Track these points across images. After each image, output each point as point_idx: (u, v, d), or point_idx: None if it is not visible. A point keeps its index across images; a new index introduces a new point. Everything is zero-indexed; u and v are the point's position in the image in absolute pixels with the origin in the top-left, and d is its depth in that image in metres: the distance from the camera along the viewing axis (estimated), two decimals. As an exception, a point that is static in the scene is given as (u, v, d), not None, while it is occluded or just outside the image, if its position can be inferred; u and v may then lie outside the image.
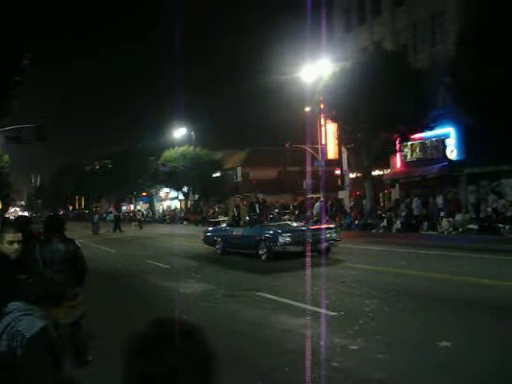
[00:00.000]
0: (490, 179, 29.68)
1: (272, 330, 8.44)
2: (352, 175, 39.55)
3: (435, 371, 6.18)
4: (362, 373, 6.16)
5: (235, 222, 20.31)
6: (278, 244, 16.86)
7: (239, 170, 61.89)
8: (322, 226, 19.90)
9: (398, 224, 30.19)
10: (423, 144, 34.59)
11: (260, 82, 55.24)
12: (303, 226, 19.90)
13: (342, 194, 40.99)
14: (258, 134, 57.78)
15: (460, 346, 7.06)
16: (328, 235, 17.54)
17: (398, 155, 35.87)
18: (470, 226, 25.58)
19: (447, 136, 32.59)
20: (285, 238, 16.93)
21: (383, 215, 32.36)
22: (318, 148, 41.11)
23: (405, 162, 36.10)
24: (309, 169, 38.25)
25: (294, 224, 20.20)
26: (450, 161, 31.79)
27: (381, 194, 38.26)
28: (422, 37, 35.32)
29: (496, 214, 25.75)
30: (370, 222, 32.25)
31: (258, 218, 20.08)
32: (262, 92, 54.89)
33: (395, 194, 36.66)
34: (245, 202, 21.68)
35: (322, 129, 41.98)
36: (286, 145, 42.45)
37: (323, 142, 41.88)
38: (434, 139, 33.56)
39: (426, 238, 24.95)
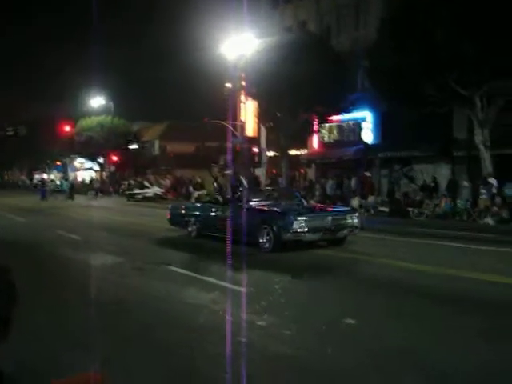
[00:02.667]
0: (403, 164, 30.50)
1: (181, 304, 8.39)
2: (269, 153, 39.77)
3: (336, 346, 6.32)
4: (267, 348, 6.21)
5: (219, 199, 16.42)
6: (292, 230, 13.20)
7: (157, 142, 61.13)
8: (344, 209, 17.27)
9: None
10: (340, 126, 35.16)
11: (181, 55, 54.44)
12: (321, 207, 18.17)
13: (259, 172, 41.16)
14: (178, 107, 57.21)
15: (364, 324, 7.24)
16: (349, 220, 14.42)
17: (315, 136, 36.30)
18: (382, 209, 26.27)
19: (364, 120, 33.21)
20: (301, 223, 13.34)
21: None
22: (237, 124, 41.04)
23: (322, 143, 36.60)
24: (228, 145, 38.19)
25: (305, 203, 17.23)
26: (366, 144, 32.43)
27: (297, 174, 38.64)
28: (345, 20, 35.69)
29: (406, 198, 26.53)
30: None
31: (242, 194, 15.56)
32: (183, 65, 54.13)
33: (311, 174, 37.15)
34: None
35: (242, 106, 41.88)
36: (205, 120, 42.19)
37: (243, 119, 41.83)
38: (351, 122, 34.16)
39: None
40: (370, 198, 27.46)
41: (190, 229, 16.67)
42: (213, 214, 15.87)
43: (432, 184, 26.87)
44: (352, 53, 32.52)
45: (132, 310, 8.13)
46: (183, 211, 17.65)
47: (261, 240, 13.67)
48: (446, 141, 26.48)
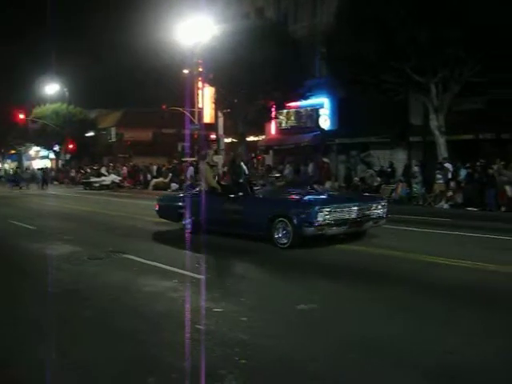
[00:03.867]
0: (360, 150, 30.75)
1: (138, 292, 8.30)
2: (227, 140, 39.69)
3: (295, 331, 6.37)
4: (224, 334, 6.19)
5: (222, 188, 13.98)
6: (315, 223, 11.42)
7: (113, 130, 60.36)
8: (370, 196, 15.94)
9: (270, 189, 30.60)
10: (298, 112, 35.27)
11: (138, 41, 53.78)
12: (345, 196, 17.08)
13: (217, 159, 41.02)
14: (135, 94, 56.43)
15: (322, 308, 7.29)
16: (375, 210, 12.73)
17: (273, 122, 36.37)
18: (338, 194, 26.43)
19: (321, 106, 33.37)
20: (326, 215, 11.57)
21: (255, 181, 32.63)
22: (194, 111, 40.83)
23: (280, 130, 36.69)
24: (185, 132, 37.99)
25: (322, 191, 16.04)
26: (323, 130, 32.61)
27: (255, 160, 38.66)
28: (302, 7, 35.70)
29: (364, 184, 26.77)
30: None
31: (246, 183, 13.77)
32: (139, 51, 53.48)
33: (269, 160, 37.20)
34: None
35: (200, 92, 41.65)
36: (163, 106, 41.88)
37: (200, 106, 41.61)
38: (308, 108, 34.29)
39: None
40: (328, 184, 27.60)
41: (184, 222, 14.31)
42: (215, 205, 13.37)
43: (389, 169, 27.18)
44: (310, 39, 32.60)
45: (89, 298, 8.02)
46: (177, 202, 15.26)
47: (276, 235, 11.95)
48: (403, 126, 26.80)
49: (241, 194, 13.14)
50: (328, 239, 12.00)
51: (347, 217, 11.95)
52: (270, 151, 37.63)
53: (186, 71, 40.13)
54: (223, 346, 5.82)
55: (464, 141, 24.54)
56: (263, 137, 37.84)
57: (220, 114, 39.68)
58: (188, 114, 38.68)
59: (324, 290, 8.35)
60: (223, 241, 13.06)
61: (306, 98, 32.66)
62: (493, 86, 21.73)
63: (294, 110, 35.30)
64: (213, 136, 42.03)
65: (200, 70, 36.01)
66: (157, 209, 15.88)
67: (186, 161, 37.41)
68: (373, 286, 8.44)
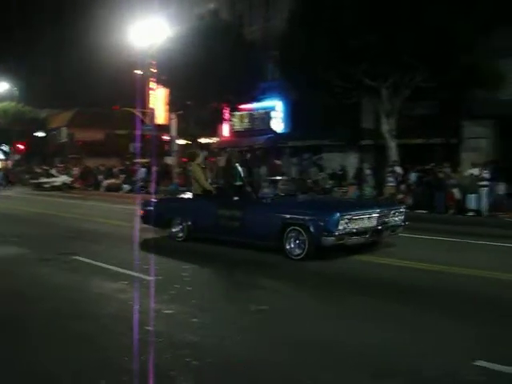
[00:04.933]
0: (312, 152, 30.99)
1: (87, 294, 8.21)
2: (180, 142, 39.50)
3: (245, 331, 6.39)
4: (174, 336, 6.16)
5: (224, 191, 12.87)
6: (336, 232, 10.30)
7: (64, 130, 59.40)
8: (388, 203, 15.11)
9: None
10: (251, 115, 35.34)
11: (90, 41, 53.12)
12: (368, 202, 16.04)
13: (170, 160, 40.79)
14: (87, 94, 55.63)
15: (273, 309, 7.33)
16: (393, 217, 11.64)
17: (226, 124, 36.38)
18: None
19: (274, 109, 33.51)
20: (348, 224, 10.47)
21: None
22: (147, 112, 40.51)
23: (233, 132, 36.70)
24: (137, 133, 37.63)
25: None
26: (276, 133, 32.77)
27: (208, 162, 38.51)
28: (256, 10, 35.78)
29: (316, 186, 26.94)
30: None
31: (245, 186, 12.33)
32: (92, 51, 52.84)
33: (222, 162, 37.08)
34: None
35: (153, 93, 41.34)
36: (115, 107, 41.46)
37: (153, 107, 41.30)
38: (261, 111, 34.40)
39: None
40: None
41: (175, 229, 13.26)
42: (216, 210, 12.26)
43: (340, 172, 27.44)
44: (263, 42, 32.70)
45: (36, 301, 7.88)
46: (166, 207, 14.07)
47: (288, 245, 10.80)
48: (354, 130, 27.13)
49: (239, 197, 12.06)
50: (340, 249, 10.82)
51: (368, 225, 10.87)
52: (223, 153, 37.55)
53: (138, 72, 39.79)
54: (173, 348, 5.80)
55: (414, 145, 24.95)
56: (216, 139, 37.78)
57: (173, 116, 39.46)
58: (140, 115, 38.35)
59: (277, 290, 8.39)
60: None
61: (259, 100, 32.81)
62: (442, 91, 22.11)
63: (247, 112, 35.36)
64: (165, 137, 41.76)
65: (153, 71, 35.76)
66: (141, 214, 14.25)
67: (139, 162, 37.09)
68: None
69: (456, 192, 21.17)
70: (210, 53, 28.16)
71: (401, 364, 5.38)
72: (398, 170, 23.04)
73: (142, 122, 38.51)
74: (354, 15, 20.85)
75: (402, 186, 22.69)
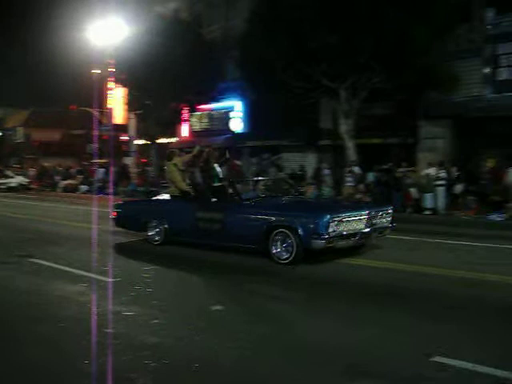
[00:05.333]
0: (272, 153, 31.06)
1: (46, 297, 8.10)
2: (139, 142, 39.25)
3: (204, 332, 6.38)
4: (134, 338, 6.14)
5: (202, 192, 12.15)
6: (326, 235, 9.89)
7: (20, 130, 58.46)
8: (376, 204, 14.61)
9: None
10: (210, 115, 35.23)
11: (46, 39, 52.41)
12: (356, 203, 15.86)
13: (128, 161, 40.49)
14: (43, 93, 54.81)
15: (232, 310, 7.37)
16: (382, 219, 11.27)
17: (185, 124, 36.24)
18: (250, 197, 26.55)
19: (233, 109, 33.50)
20: (338, 226, 10.09)
21: (166, 184, 32.41)
22: (105, 112, 40.15)
23: (192, 132, 36.55)
24: (95, 133, 37.27)
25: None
26: (235, 133, 32.78)
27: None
28: (216, 10, 35.71)
29: (274, 186, 27.01)
30: (154, 189, 32.22)
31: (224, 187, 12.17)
32: (48, 50, 52.14)
33: (187, 158, 36.92)
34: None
35: (111, 93, 40.98)
36: (73, 107, 40.99)
37: (111, 107, 40.93)
38: (220, 111, 34.32)
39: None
40: (238, 186, 27.68)
41: (151, 233, 12.74)
42: (195, 213, 11.80)
43: (300, 172, 27.57)
44: (223, 42, 32.66)
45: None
46: (142, 209, 13.51)
47: (275, 249, 10.37)
48: (313, 130, 27.29)
49: (219, 199, 11.68)
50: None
51: (358, 227, 10.48)
52: (182, 154, 37.37)
53: (96, 71, 39.38)
54: (133, 350, 5.78)
55: (372, 145, 25.23)
56: (175, 139, 37.60)
57: (131, 116, 39.18)
58: (97, 115, 38.00)
59: (233, 291, 8.42)
60: (127, 240, 12.87)
61: (218, 100, 32.76)
62: (400, 92, 22.41)
63: (206, 112, 35.26)
64: (124, 137, 41.45)
65: (111, 70, 35.44)
66: (114, 217, 13.68)
67: (96, 162, 36.73)
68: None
69: (413, 191, 21.51)
70: (168, 52, 28.04)
71: (366, 363, 5.45)
72: (357, 170, 23.26)
73: (100, 122, 38.13)
74: (312, 16, 20.98)
75: (361, 186, 22.93)
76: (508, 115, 21.25)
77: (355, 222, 10.45)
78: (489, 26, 22.43)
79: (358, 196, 22.46)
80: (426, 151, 23.97)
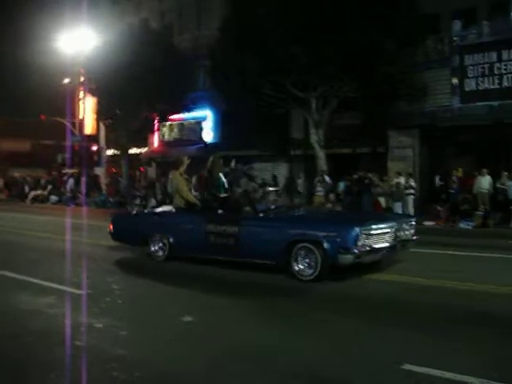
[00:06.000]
0: (243, 163, 31.05)
1: (15, 310, 7.99)
2: (109, 152, 39.05)
3: (174, 344, 6.37)
4: (104, 350, 6.09)
5: (210, 204, 11.46)
6: (354, 249, 9.15)
7: (-12, 140, 57.61)
8: (401, 215, 13.75)
9: (153, 202, 30.37)
10: (181, 125, 35.24)
11: (16, 48, 51.88)
12: (381, 214, 14.96)
13: (99, 171, 40.25)
14: (12, 103, 54.17)
15: (202, 321, 7.34)
16: (405, 231, 10.47)
17: (156, 134, 36.18)
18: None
19: (205, 119, 33.52)
20: (366, 239, 9.34)
21: (138, 193, 32.34)
22: (75, 122, 39.87)
23: (163, 142, 36.50)
24: (66, 143, 37.03)
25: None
26: (206, 143, 32.77)
27: (138, 172, 38.21)
28: (187, 19, 35.76)
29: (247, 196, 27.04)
30: (125, 199, 32.07)
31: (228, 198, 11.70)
32: (17, 57, 51.60)
33: (152, 172, 36.88)
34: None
35: (81, 102, 40.72)
36: (42, 117, 40.60)
37: (81, 116, 40.67)
38: (192, 121, 34.33)
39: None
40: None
41: (154, 248, 11.77)
42: (205, 226, 10.89)
43: (271, 182, 27.61)
44: (194, 51, 32.69)
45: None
46: (143, 222, 12.66)
47: (296, 265, 9.56)
48: (284, 140, 27.44)
49: (231, 211, 10.86)
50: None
51: (385, 240, 9.75)
52: (154, 164, 37.29)
53: (67, 80, 39.12)
54: (102, 362, 5.73)
55: (342, 154, 25.44)
56: (146, 149, 37.48)
57: (102, 126, 38.99)
58: (68, 125, 37.70)
59: (204, 302, 8.41)
60: (96, 251, 12.76)
61: (189, 110, 32.76)
62: (369, 102, 22.64)
63: (177, 122, 35.23)
64: (94, 147, 41.20)
65: (82, 79, 35.27)
66: (111, 230, 12.74)
67: (67, 173, 36.44)
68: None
69: (383, 200, 21.71)
70: (139, 62, 27.98)
71: (329, 372, 5.49)
72: (327, 179, 23.40)
73: (71, 131, 37.87)
74: (278, 27, 21.09)
75: (331, 195, 23.07)
76: (475, 125, 21.67)
77: (383, 234, 9.70)
78: (456, 38, 22.78)
79: (328, 205, 22.60)
80: (395, 160, 24.24)
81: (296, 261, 9.57)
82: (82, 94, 39.10)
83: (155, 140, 36.85)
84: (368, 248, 9.30)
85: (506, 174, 19.88)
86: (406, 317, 7.44)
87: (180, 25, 36.27)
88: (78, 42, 34.72)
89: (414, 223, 10.94)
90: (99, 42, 32.13)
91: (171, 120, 34.74)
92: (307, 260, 9.50)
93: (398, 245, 10.06)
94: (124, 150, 34.32)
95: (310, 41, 20.67)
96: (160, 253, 11.72)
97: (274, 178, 27.93)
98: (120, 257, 12.60)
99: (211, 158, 12.68)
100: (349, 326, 7.06)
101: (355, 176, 23.19)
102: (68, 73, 37.62)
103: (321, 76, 21.93)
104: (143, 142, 36.21)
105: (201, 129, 33.44)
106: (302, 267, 9.55)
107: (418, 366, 5.44)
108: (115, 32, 32.69)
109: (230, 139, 29.84)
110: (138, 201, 31.08)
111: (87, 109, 40.22)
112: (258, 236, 10.18)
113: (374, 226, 9.58)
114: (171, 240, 11.50)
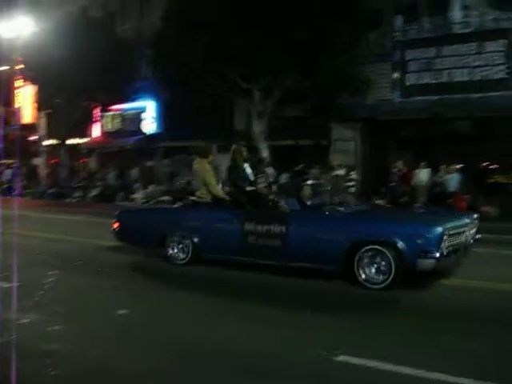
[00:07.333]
0: (186, 153, 30.84)
1: None
2: (49, 142, 38.18)
3: (108, 339, 6.20)
4: (31, 346, 5.86)
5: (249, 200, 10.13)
6: (435, 253, 7.88)
7: None
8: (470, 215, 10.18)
9: (93, 193, 29.88)
10: (123, 115, 34.67)
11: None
12: (451, 212, 12.79)
13: (38, 161, 39.33)
14: None
15: (138, 314, 7.17)
16: (472, 230, 9.32)
17: (97, 125, 35.55)
18: (163, 198, 26.27)
19: (146, 109, 33.10)
20: (448, 241, 8.14)
21: (79, 184, 31.76)
22: (12, 111, 38.84)
23: (104, 132, 35.87)
24: (0, 132, 35.99)
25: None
26: (147, 133, 32.41)
27: (78, 163, 37.50)
28: (129, 7, 35.15)
29: (190, 186, 26.80)
30: (64, 191, 31.45)
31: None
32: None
33: (92, 163, 36.25)
34: None
35: (19, 91, 39.70)
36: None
37: (19, 105, 39.64)
38: (133, 111, 33.83)
39: (120, 208, 24.94)
40: (151, 187, 27.49)
41: (172, 251, 10.37)
42: (242, 224, 9.58)
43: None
44: (136, 41, 32.19)
45: None
46: (159, 219, 11.27)
47: (362, 271, 8.29)
48: (228, 131, 27.25)
49: (252, 206, 9.86)
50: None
51: (461, 240, 8.65)
52: (94, 154, 36.63)
53: (3, 68, 38.03)
54: (33, 358, 5.53)
55: (285, 146, 25.44)
56: (87, 139, 36.77)
57: (41, 115, 38.09)
58: (3, 114, 36.65)
59: (140, 294, 8.22)
60: (28, 243, 12.36)
61: (131, 100, 32.27)
62: (313, 94, 22.67)
63: (119, 112, 34.65)
64: (33, 137, 40.22)
65: (20, 67, 34.33)
66: (117, 229, 11.23)
67: (3, 163, 35.48)
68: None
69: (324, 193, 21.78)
70: (80, 50, 27.34)
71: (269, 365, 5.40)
72: (270, 170, 23.35)
73: (7, 120, 36.86)
74: (226, 18, 20.91)
75: (274, 187, 23.01)
76: (415, 118, 21.98)
77: (459, 234, 8.62)
78: (397, 33, 23.03)
79: (270, 197, 22.53)
80: (337, 153, 24.37)
81: (362, 266, 8.29)
82: (20, 82, 38.12)
83: (96, 130, 36.17)
84: (447, 250, 8.12)
85: (444, 167, 20.20)
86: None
87: (122, 13, 35.60)
88: (16, 29, 33.73)
89: (477, 221, 9.79)
90: (38, 29, 31.27)
91: (113, 110, 34.18)
92: (375, 265, 8.25)
93: (469, 246, 9.09)
94: (63, 140, 33.61)
95: (254, 33, 20.56)
96: (181, 255, 10.30)
97: (216, 168, 27.77)
98: (57, 249, 12.25)
99: (233, 147, 11.00)
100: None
101: (297, 168, 23.21)
102: (5, 60, 36.57)
103: (264, 68, 21.84)
104: (84, 132, 35.53)
105: (142, 119, 33.00)
106: (370, 274, 8.27)
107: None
108: (54, 19, 31.87)
109: (173, 130, 29.54)
110: (77, 193, 30.55)
111: (26, 97, 39.22)
112: (311, 237, 8.84)
113: (454, 225, 8.52)
114: (196, 240, 10.08)
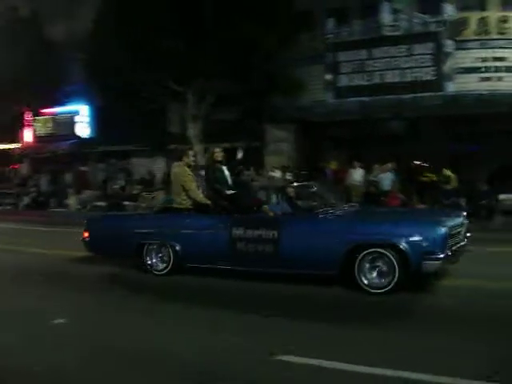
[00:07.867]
0: (120, 158, 30.49)
1: None
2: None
3: (48, 348, 6.05)
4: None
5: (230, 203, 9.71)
6: (440, 255, 7.68)
7: None
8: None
9: (26, 201, 29.18)
10: (55, 119, 33.97)
11: None
12: (446, 210, 12.54)
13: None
14: None
15: (76, 322, 7.04)
16: (464, 230, 9.07)
17: (28, 129, 34.71)
18: (98, 203, 25.90)
19: (79, 113, 32.56)
20: (451, 240, 8.07)
21: (10, 191, 30.97)
22: None
23: (36, 137, 35.04)
24: None
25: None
26: (80, 138, 31.91)
27: (9, 169, 36.53)
28: (61, 9, 34.42)
29: (124, 192, 26.52)
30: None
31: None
32: None
33: (24, 169, 35.37)
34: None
35: None
36: None
37: None
38: (66, 115, 33.21)
39: (54, 215, 24.50)
40: (86, 193, 27.04)
41: (151, 261, 9.82)
42: (230, 230, 9.07)
43: (148, 177, 27.26)
44: (68, 44, 31.57)
45: None
46: (135, 226, 10.25)
47: (363, 275, 7.98)
48: (162, 135, 27.06)
49: (234, 210, 9.37)
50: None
51: (459, 240, 8.50)
52: (26, 160, 35.74)
53: None
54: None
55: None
56: (18, 144, 35.84)
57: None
58: None
59: (75, 303, 8.03)
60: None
61: (63, 104, 31.70)
62: (246, 97, 22.75)
63: (51, 116, 33.93)
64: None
65: None
66: (87, 238, 10.45)
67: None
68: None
69: (262, 194, 21.81)
70: (7, 53, 26.67)
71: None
72: (203, 173, 23.27)
73: None
74: (156, 24, 20.73)
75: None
76: (348, 119, 22.34)
77: (458, 233, 8.49)
78: (329, 35, 23.31)
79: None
80: (272, 154, 24.53)
81: (362, 271, 7.99)
82: None
83: (28, 135, 35.28)
84: (451, 251, 7.96)
85: (377, 166, 20.52)
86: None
87: (52, 15, 34.79)
88: None
89: (467, 221, 9.43)
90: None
91: (44, 114, 33.46)
92: (376, 269, 7.98)
93: (465, 245, 8.79)
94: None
95: (184, 36, 20.48)
96: (160, 265, 9.74)
97: (151, 173, 27.61)
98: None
99: (210, 150, 10.92)
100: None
101: (236, 170, 23.20)
102: None
103: (196, 71, 21.77)
104: (14, 137, 34.63)
105: (75, 123, 32.41)
106: (371, 278, 7.99)
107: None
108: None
109: (107, 134, 29.13)
110: (9, 199, 29.82)
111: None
112: (305, 241, 8.42)
113: (454, 225, 8.34)
114: (178, 248, 9.48)
